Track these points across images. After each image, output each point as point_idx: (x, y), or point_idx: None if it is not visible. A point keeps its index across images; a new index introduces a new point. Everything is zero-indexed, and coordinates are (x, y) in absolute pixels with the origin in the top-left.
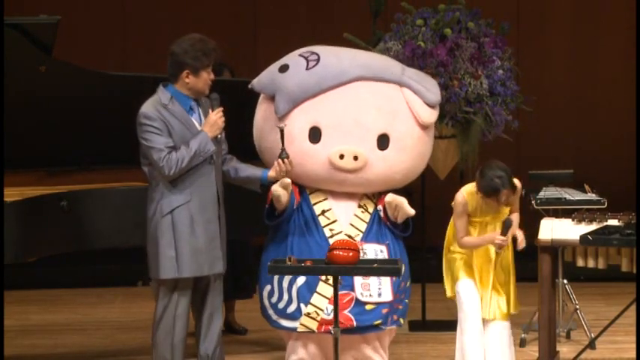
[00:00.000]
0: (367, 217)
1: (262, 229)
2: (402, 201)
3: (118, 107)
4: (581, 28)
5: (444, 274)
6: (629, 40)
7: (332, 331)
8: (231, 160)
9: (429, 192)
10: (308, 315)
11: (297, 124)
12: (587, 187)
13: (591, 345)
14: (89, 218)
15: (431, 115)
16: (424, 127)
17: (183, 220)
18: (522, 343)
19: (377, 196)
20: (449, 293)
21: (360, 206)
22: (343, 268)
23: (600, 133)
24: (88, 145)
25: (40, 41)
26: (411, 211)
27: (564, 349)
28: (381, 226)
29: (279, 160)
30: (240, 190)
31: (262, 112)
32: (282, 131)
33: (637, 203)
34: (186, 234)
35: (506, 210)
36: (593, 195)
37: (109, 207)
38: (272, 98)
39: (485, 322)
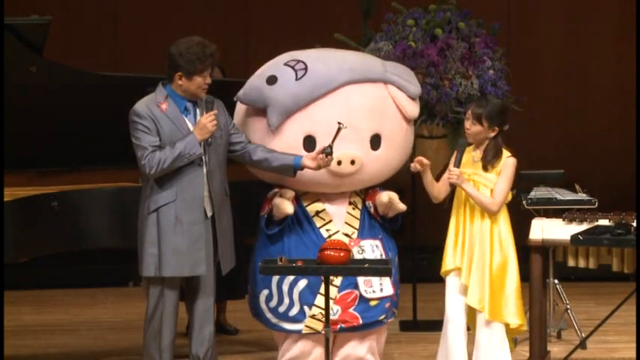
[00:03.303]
0: (358, 213)
1: (250, 229)
2: (394, 197)
3: (109, 108)
4: (571, 28)
5: None
6: (619, 39)
7: (323, 331)
8: (256, 150)
9: (420, 191)
10: (313, 317)
11: (292, 134)
12: (577, 187)
13: (582, 345)
14: (80, 218)
15: (415, 108)
16: (409, 120)
17: (168, 219)
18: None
19: (364, 192)
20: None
21: (350, 203)
22: (334, 268)
23: (591, 133)
24: (79, 146)
25: (30, 42)
26: (403, 207)
27: (555, 349)
28: (371, 220)
29: (322, 155)
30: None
31: (242, 120)
32: (338, 129)
33: (637, 203)
34: (170, 233)
35: (490, 174)
36: (584, 195)
37: (100, 207)
38: (258, 110)
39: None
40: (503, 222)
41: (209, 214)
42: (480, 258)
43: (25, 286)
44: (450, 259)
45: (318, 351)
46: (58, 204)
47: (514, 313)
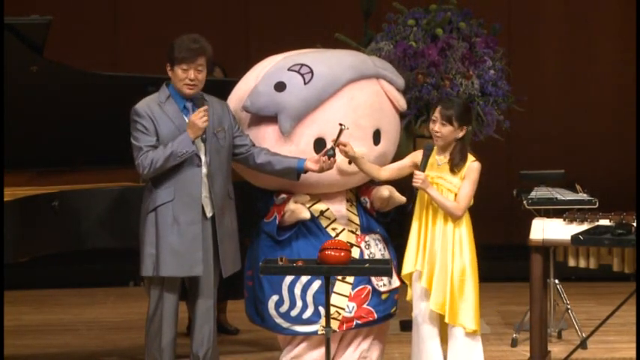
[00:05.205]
0: (355, 209)
1: (249, 230)
2: (394, 190)
3: (109, 107)
4: (572, 29)
5: None
6: (620, 40)
7: (324, 331)
8: (260, 153)
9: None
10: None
11: (303, 138)
12: (578, 187)
13: (583, 345)
14: (80, 218)
15: (405, 101)
16: (400, 113)
17: (166, 219)
18: (514, 343)
19: (357, 188)
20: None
21: (347, 200)
22: (334, 268)
23: (591, 133)
24: (79, 146)
25: (30, 42)
26: (403, 199)
27: (556, 349)
28: (367, 215)
29: (325, 157)
30: None
31: (248, 130)
32: (341, 131)
33: (637, 203)
34: (167, 233)
35: (454, 178)
36: (585, 195)
37: (100, 207)
38: (263, 118)
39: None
40: (466, 226)
41: (209, 214)
42: (442, 262)
43: (25, 286)
44: (411, 262)
45: (314, 348)
46: (58, 204)
47: (471, 319)
